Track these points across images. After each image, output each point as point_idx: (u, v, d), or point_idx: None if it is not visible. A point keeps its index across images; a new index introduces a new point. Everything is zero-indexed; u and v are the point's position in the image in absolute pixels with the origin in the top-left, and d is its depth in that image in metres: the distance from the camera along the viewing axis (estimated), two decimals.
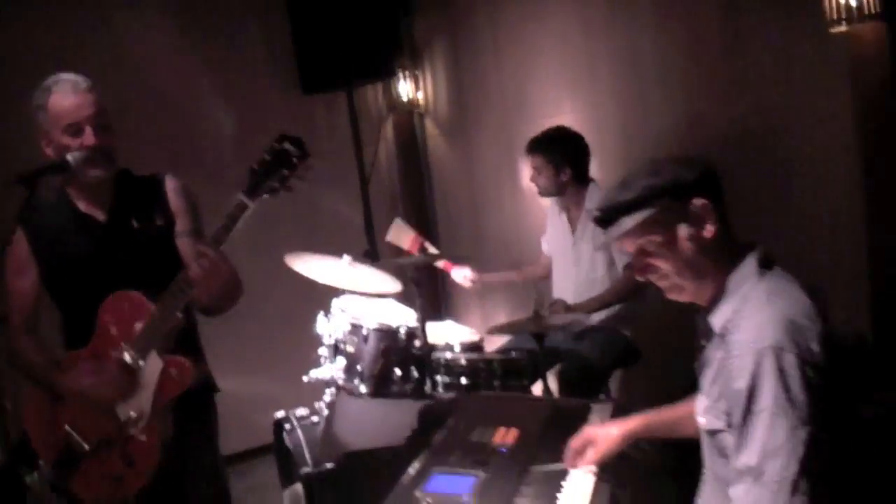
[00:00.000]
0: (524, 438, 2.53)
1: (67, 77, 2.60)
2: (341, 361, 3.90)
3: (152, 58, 5.04)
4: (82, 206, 2.70)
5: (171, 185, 2.79)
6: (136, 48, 5.00)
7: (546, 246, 4.48)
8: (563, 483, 2.26)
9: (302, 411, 3.99)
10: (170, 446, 2.64)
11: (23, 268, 2.66)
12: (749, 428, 1.75)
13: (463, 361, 3.79)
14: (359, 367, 3.83)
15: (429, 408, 3.04)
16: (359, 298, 4.27)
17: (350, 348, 3.87)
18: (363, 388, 3.59)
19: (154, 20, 5.08)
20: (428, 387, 3.65)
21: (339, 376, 3.88)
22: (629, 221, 1.90)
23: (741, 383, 1.76)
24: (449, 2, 5.61)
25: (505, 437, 2.53)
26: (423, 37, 5.85)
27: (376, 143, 5.79)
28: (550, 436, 2.49)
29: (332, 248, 4.16)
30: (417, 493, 2.17)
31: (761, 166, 3.77)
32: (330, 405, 3.48)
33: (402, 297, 4.29)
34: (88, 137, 2.56)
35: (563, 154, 4.07)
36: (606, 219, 1.94)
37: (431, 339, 4.11)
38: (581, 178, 4.13)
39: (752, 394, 1.74)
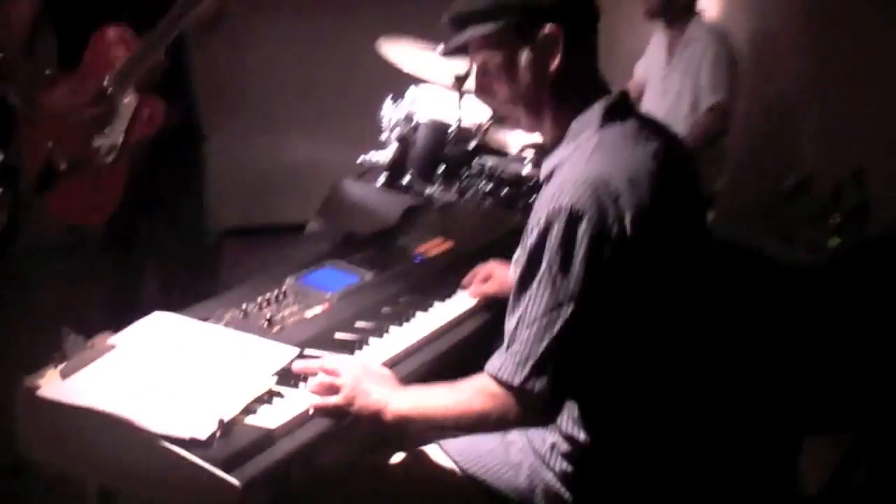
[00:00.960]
0: (450, 253, 2.44)
1: None
2: (393, 148, 3.86)
3: None
4: None
5: None
6: None
7: (640, 70, 4.20)
8: (443, 301, 2.18)
9: None
10: (142, 185, 2.72)
11: None
12: (521, 291, 1.58)
13: (502, 173, 3.66)
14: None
15: (414, 208, 2.96)
16: (440, 91, 4.16)
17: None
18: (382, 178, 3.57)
19: None
20: (455, 189, 3.57)
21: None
22: (471, 31, 1.69)
23: (529, 241, 1.57)
24: None
25: (433, 247, 2.46)
26: None
27: None
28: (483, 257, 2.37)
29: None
30: (288, 280, 2.15)
31: None
32: (333, 186, 3.47)
33: None
34: None
35: None
36: (456, 25, 1.73)
37: (510, 146, 3.99)
38: (688, 7, 3.81)
39: (532, 256, 1.56)
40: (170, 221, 2.91)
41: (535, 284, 1.55)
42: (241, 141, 4.83)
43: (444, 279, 2.29)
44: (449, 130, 3.73)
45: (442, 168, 3.72)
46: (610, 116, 1.65)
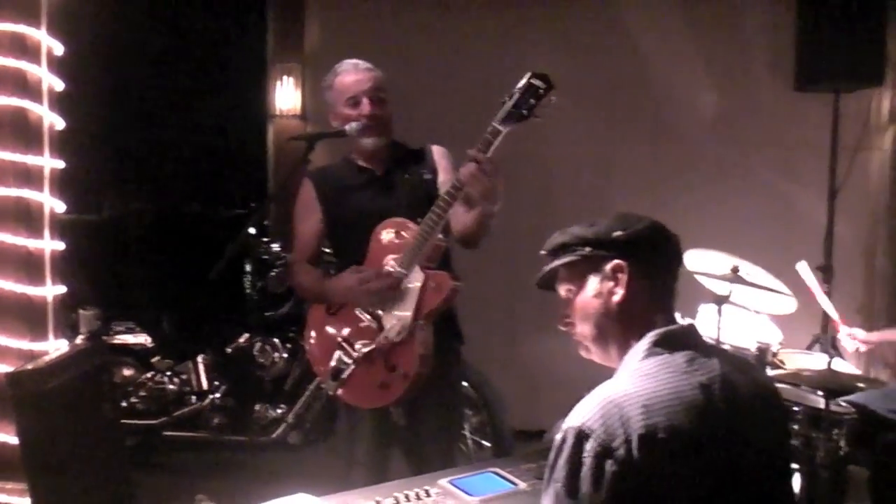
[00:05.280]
0: None
1: (351, 60, 3.07)
2: None
3: (649, 33, 5.28)
4: (362, 163, 3.11)
5: (436, 150, 3.11)
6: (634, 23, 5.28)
7: None
8: None
9: None
10: (427, 361, 2.88)
11: (308, 212, 3.13)
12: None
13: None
14: None
15: None
16: (738, 312, 4.05)
17: None
18: None
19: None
20: None
21: None
22: (554, 262, 1.85)
23: (550, 454, 1.64)
24: None
25: None
26: None
27: (867, 150, 5.24)
28: None
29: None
30: (442, 480, 2.22)
31: None
32: None
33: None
34: (364, 107, 2.99)
35: None
36: (548, 258, 1.88)
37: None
38: None
39: (550, 469, 1.63)
40: (427, 408, 3.03)
41: (546, 499, 1.61)
42: None
43: None
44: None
45: None
46: (656, 347, 1.70)
